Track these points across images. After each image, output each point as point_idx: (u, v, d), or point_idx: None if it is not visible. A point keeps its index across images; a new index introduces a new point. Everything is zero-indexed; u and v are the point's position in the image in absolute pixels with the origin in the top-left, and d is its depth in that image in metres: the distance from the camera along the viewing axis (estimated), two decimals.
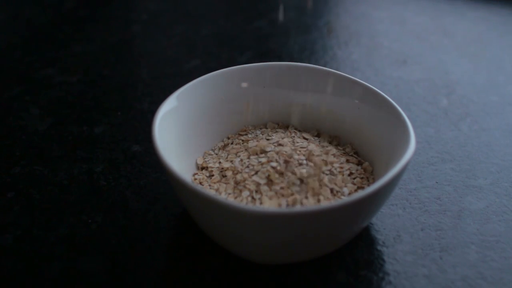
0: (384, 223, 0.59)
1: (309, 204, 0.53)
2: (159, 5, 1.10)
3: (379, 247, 0.56)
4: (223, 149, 0.62)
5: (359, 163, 0.60)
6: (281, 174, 0.54)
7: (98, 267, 0.54)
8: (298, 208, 0.50)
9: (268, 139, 0.59)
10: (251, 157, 0.57)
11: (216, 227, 0.51)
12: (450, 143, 0.70)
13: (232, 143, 0.62)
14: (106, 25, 1.02)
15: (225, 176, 0.57)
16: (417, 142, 0.54)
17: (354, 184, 0.56)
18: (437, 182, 0.64)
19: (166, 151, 0.52)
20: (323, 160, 0.56)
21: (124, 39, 0.97)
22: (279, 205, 0.52)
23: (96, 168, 0.65)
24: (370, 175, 0.58)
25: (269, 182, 0.54)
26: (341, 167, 0.57)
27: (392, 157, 0.55)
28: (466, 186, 0.64)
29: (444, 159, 0.68)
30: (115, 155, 0.67)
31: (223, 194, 0.55)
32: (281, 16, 0.54)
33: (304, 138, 0.60)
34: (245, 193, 0.54)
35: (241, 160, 0.57)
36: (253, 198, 0.53)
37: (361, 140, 0.62)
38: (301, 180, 0.54)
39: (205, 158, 0.61)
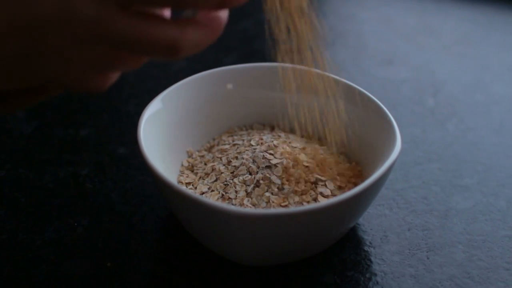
0: (371, 224, 0.58)
1: (295, 205, 0.52)
2: None
3: (366, 248, 0.56)
4: (209, 151, 0.62)
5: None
6: (267, 175, 0.54)
7: (84, 270, 0.53)
8: (283, 209, 0.50)
9: (254, 141, 0.59)
10: (238, 158, 0.57)
11: (202, 229, 0.51)
12: (436, 142, 0.71)
13: (218, 145, 0.62)
14: None
15: (211, 177, 0.57)
16: (404, 142, 0.54)
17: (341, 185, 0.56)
18: (424, 182, 0.64)
19: (151, 153, 0.52)
20: (310, 160, 0.56)
21: None
22: (265, 206, 0.52)
23: (81, 171, 0.65)
24: (357, 176, 0.58)
25: (255, 183, 0.54)
26: (329, 168, 0.57)
27: (379, 157, 0.55)
28: (452, 186, 0.64)
29: (430, 158, 0.68)
30: (101, 157, 0.67)
31: (209, 195, 0.55)
32: None
33: (291, 139, 0.60)
34: (231, 194, 0.54)
35: (227, 161, 0.57)
36: (239, 199, 0.53)
37: (348, 140, 0.62)
38: (287, 182, 0.54)
39: (190, 160, 0.61)
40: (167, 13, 0.42)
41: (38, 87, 0.43)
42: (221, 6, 0.39)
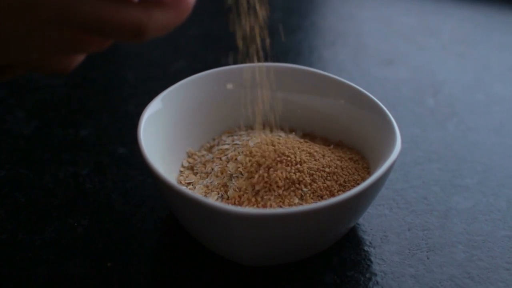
0: (371, 224, 0.58)
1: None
2: None
3: (366, 248, 0.56)
4: (209, 151, 0.62)
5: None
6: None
7: (84, 270, 0.53)
8: (283, 209, 0.50)
9: (253, 141, 0.59)
10: (237, 158, 0.57)
11: (202, 229, 0.51)
12: (436, 142, 0.71)
13: (218, 145, 0.62)
14: None
15: (211, 177, 0.57)
16: (404, 142, 0.54)
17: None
18: (423, 182, 0.64)
19: (151, 153, 0.52)
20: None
21: None
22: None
23: (81, 171, 0.64)
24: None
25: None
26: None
27: (379, 157, 0.55)
28: (452, 186, 0.64)
29: (430, 159, 0.68)
30: (101, 157, 0.67)
31: (208, 195, 0.55)
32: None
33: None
34: (231, 194, 0.54)
35: (227, 162, 0.57)
36: (238, 199, 0.53)
37: (348, 140, 0.62)
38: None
39: (190, 160, 0.61)
40: None
41: (2, 66, 0.42)
42: None
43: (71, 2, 0.36)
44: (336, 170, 0.57)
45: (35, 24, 0.37)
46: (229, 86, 0.64)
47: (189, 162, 0.60)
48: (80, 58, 0.42)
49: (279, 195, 0.53)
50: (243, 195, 0.53)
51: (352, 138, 0.62)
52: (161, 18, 0.39)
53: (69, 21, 0.37)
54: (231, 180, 0.55)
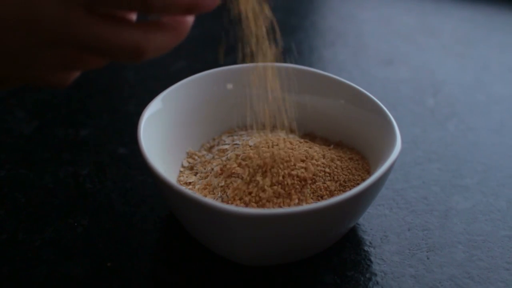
0: (371, 224, 0.58)
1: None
2: None
3: (366, 248, 0.56)
4: (209, 151, 0.62)
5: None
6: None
7: (84, 270, 0.53)
8: (283, 209, 0.50)
9: (253, 141, 0.59)
10: (237, 158, 0.57)
11: (202, 229, 0.51)
12: (436, 142, 0.71)
13: (218, 145, 0.62)
14: None
15: (211, 177, 0.57)
16: (404, 142, 0.54)
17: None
18: (424, 182, 0.64)
19: (151, 153, 0.52)
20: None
21: None
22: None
23: (82, 171, 0.64)
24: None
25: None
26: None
27: (379, 157, 0.55)
28: (453, 186, 0.64)
29: (430, 159, 0.68)
30: (101, 158, 0.67)
31: (208, 195, 0.55)
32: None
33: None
34: (231, 194, 0.53)
35: (227, 162, 0.57)
36: (238, 199, 0.53)
37: (348, 140, 0.62)
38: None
39: (190, 160, 0.61)
40: (133, 15, 0.41)
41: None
42: (188, 13, 0.39)
43: (70, 23, 0.36)
44: (336, 170, 0.57)
45: (32, 42, 0.37)
46: (229, 86, 0.64)
47: (189, 162, 0.60)
48: (78, 73, 0.42)
49: (279, 195, 0.53)
50: (243, 195, 0.53)
51: (352, 138, 0.62)
52: (160, 40, 0.39)
53: (68, 41, 0.37)
54: (231, 180, 0.55)
